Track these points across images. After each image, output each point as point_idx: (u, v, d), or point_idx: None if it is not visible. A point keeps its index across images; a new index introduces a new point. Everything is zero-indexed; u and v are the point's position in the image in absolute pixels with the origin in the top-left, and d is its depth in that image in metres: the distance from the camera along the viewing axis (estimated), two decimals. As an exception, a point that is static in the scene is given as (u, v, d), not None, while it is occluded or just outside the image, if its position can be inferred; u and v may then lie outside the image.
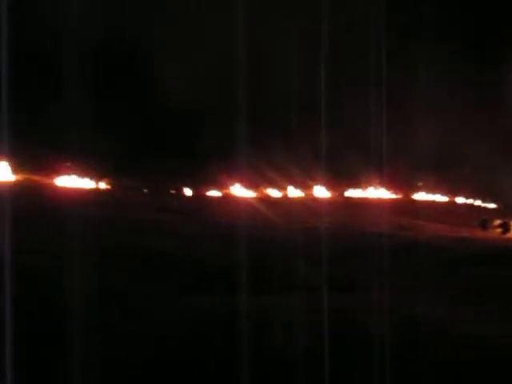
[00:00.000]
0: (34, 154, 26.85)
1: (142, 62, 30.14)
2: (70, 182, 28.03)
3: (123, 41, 29.21)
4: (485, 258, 17.27)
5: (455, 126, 32.67)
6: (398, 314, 10.30)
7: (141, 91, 29.40)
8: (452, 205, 37.37)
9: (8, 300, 8.28)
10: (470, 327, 9.89)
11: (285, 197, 32.86)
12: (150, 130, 29.93)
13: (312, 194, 33.49)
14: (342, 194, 35.40)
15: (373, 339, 8.55)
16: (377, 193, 35.71)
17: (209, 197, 30.96)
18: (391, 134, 28.06)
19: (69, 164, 27.95)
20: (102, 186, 29.21)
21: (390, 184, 35.21)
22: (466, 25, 32.88)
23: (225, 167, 29.57)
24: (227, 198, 30.24)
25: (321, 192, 33.67)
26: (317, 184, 33.26)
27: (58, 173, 27.92)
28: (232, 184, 31.17)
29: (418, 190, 37.52)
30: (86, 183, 28.62)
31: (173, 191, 30.85)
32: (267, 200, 30.39)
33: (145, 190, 29.97)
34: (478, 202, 38.35)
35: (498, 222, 28.69)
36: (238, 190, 31.38)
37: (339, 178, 33.73)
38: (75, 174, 28.32)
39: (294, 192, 33.31)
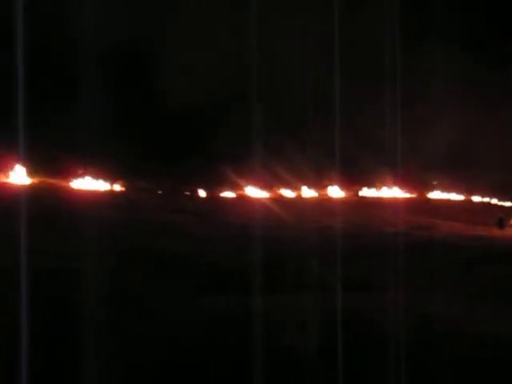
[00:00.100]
0: (49, 157, 27.06)
1: (156, 64, 30.25)
2: (85, 184, 28.20)
3: (138, 42, 29.32)
4: (502, 257, 17.16)
5: (470, 124, 32.43)
6: (414, 313, 10.23)
7: (156, 93, 29.49)
8: (468, 203, 37.07)
9: (24, 301, 8.35)
10: (486, 326, 9.80)
11: (299, 197, 32.80)
12: (165, 132, 30.02)
13: (326, 194, 33.41)
14: (357, 194, 35.26)
15: (388, 339, 8.50)
16: (391, 192, 35.53)
17: (223, 198, 30.99)
18: (405, 134, 27.95)
19: (84, 167, 28.13)
20: (117, 188, 29.36)
21: (404, 183, 35.02)
22: (480, 24, 32.65)
23: (239, 168, 29.60)
24: (241, 199, 30.24)
25: (335, 192, 33.58)
26: (331, 184, 33.18)
27: (74, 175, 28.11)
28: (246, 185, 31.18)
29: (432, 188, 37.28)
30: (101, 185, 28.77)
31: (187, 193, 30.93)
32: (281, 200, 30.35)
33: (159, 192, 30.07)
34: (494, 201, 38.00)
35: (514, 220, 28.44)
36: (252, 191, 31.38)
37: (353, 178, 33.62)
38: (90, 176, 28.50)
39: (307, 192, 33.24)
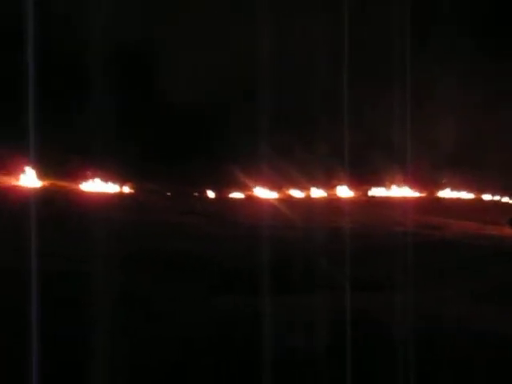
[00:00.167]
0: (59, 160, 27.21)
1: (164, 65, 30.31)
2: (94, 186, 28.32)
3: (146, 43, 29.40)
4: (513, 256, 17.03)
5: (481, 122, 32.25)
6: (423, 313, 10.21)
7: (164, 94, 29.55)
8: (478, 202, 36.84)
9: (34, 303, 8.41)
10: (494, 326, 9.75)
11: (308, 197, 32.76)
12: (173, 133, 30.09)
13: (335, 194, 33.35)
14: (366, 194, 35.17)
15: (397, 339, 8.49)
16: (401, 191, 35.40)
17: (232, 199, 31.02)
18: (415, 132, 27.84)
19: (93, 169, 28.25)
20: (126, 190, 29.46)
21: (414, 182, 34.88)
22: (489, 21, 32.43)
23: (247, 169, 29.62)
24: (250, 200, 30.26)
25: (344, 192, 33.51)
26: (340, 184, 33.12)
27: (83, 178, 28.24)
28: (255, 185, 31.19)
29: (442, 187, 37.09)
30: (110, 188, 28.88)
31: (196, 194, 30.98)
32: (290, 201, 30.34)
33: (168, 193, 30.14)
34: (505, 199, 37.73)
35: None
36: (261, 192, 31.38)
37: (362, 178, 33.53)
38: (100, 178, 28.61)
39: (316, 192, 33.19)
